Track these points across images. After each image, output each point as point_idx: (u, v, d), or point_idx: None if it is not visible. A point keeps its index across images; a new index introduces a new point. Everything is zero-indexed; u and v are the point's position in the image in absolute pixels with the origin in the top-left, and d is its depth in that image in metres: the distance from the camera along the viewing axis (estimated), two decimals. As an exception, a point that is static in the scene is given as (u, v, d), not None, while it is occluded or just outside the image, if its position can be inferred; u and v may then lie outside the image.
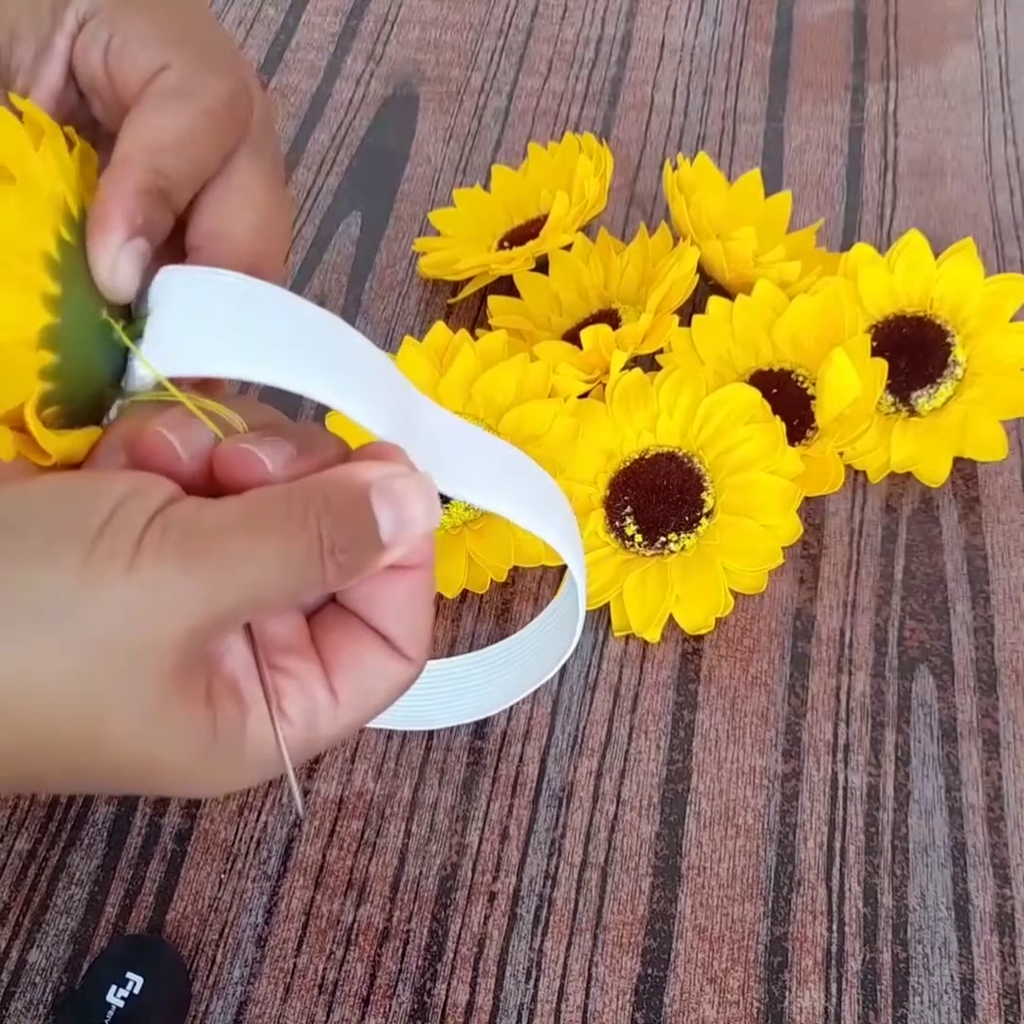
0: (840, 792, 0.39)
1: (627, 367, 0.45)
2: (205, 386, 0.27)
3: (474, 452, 0.30)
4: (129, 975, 0.35)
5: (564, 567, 0.44)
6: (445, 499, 0.44)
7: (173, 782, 0.25)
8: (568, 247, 0.50)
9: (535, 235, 0.49)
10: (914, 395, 0.46)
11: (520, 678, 0.40)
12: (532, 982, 0.36)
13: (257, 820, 0.39)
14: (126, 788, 0.29)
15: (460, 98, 0.60)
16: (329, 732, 0.26)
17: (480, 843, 0.39)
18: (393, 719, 0.40)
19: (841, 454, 0.45)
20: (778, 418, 0.43)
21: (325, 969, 0.37)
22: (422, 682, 0.31)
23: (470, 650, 0.42)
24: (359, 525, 0.24)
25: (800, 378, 0.46)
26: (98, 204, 0.25)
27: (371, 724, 0.41)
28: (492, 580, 0.43)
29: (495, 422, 0.45)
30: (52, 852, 0.39)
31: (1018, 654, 0.42)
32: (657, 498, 0.44)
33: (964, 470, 0.46)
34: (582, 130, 0.58)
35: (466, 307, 0.52)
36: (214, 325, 0.25)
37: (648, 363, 0.47)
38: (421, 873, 0.38)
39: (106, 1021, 0.34)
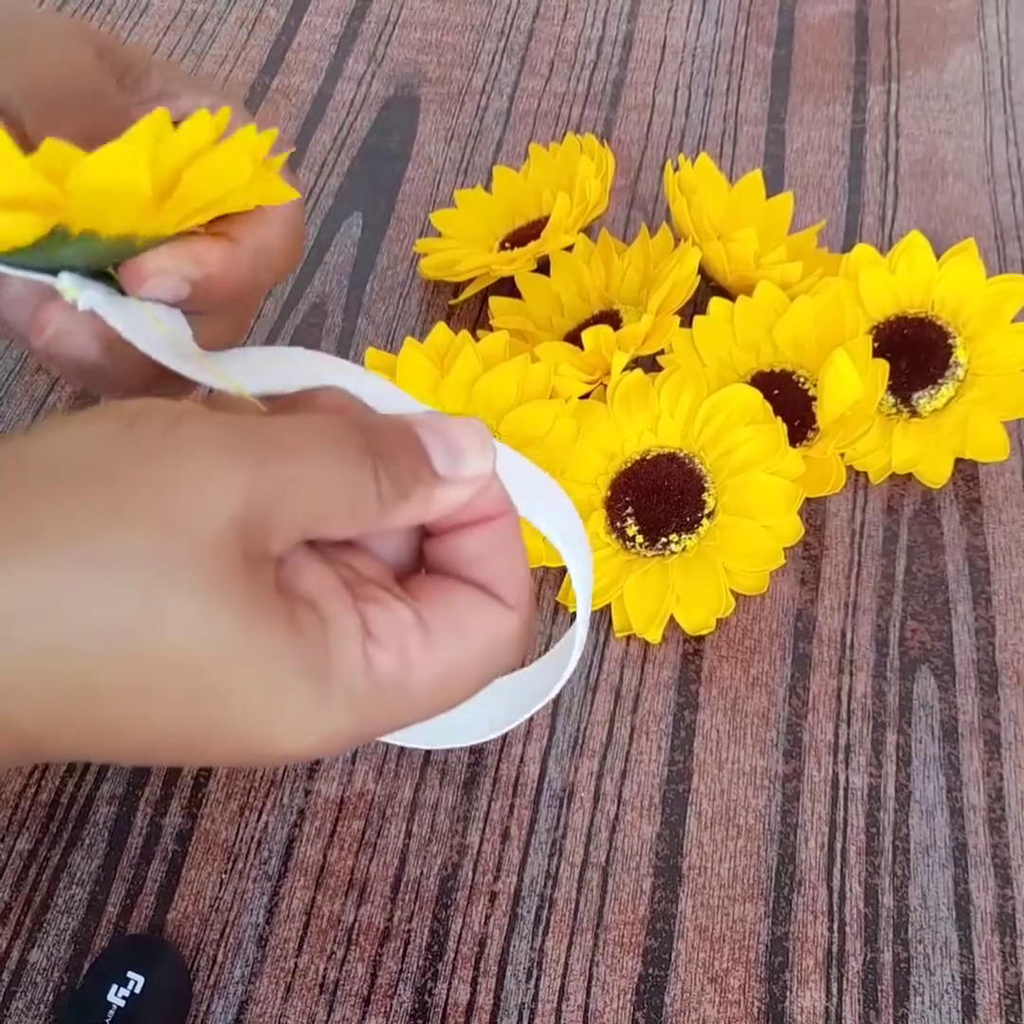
0: (841, 793, 0.39)
1: (628, 368, 0.45)
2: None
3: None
4: (130, 975, 0.35)
5: (566, 568, 0.44)
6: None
7: (249, 707, 0.21)
8: (569, 248, 0.50)
9: (536, 236, 0.49)
10: (915, 396, 0.46)
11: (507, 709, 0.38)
12: (533, 982, 0.36)
13: (258, 820, 0.39)
14: (190, 725, 0.22)
15: (461, 99, 0.61)
16: (424, 669, 0.23)
17: (481, 843, 0.39)
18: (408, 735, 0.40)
19: (842, 455, 0.45)
20: (779, 419, 0.44)
21: (326, 969, 0.37)
22: None
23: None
24: (407, 445, 0.24)
25: (801, 379, 0.46)
26: (205, 256, 0.28)
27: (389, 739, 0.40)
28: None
29: (496, 423, 0.45)
30: (53, 852, 0.39)
31: (1019, 655, 0.42)
32: (658, 499, 0.44)
33: (965, 471, 0.46)
34: (583, 131, 0.58)
35: (467, 308, 0.52)
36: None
37: (649, 364, 0.47)
38: (422, 873, 0.38)
39: (107, 1020, 0.34)
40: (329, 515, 0.23)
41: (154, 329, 0.26)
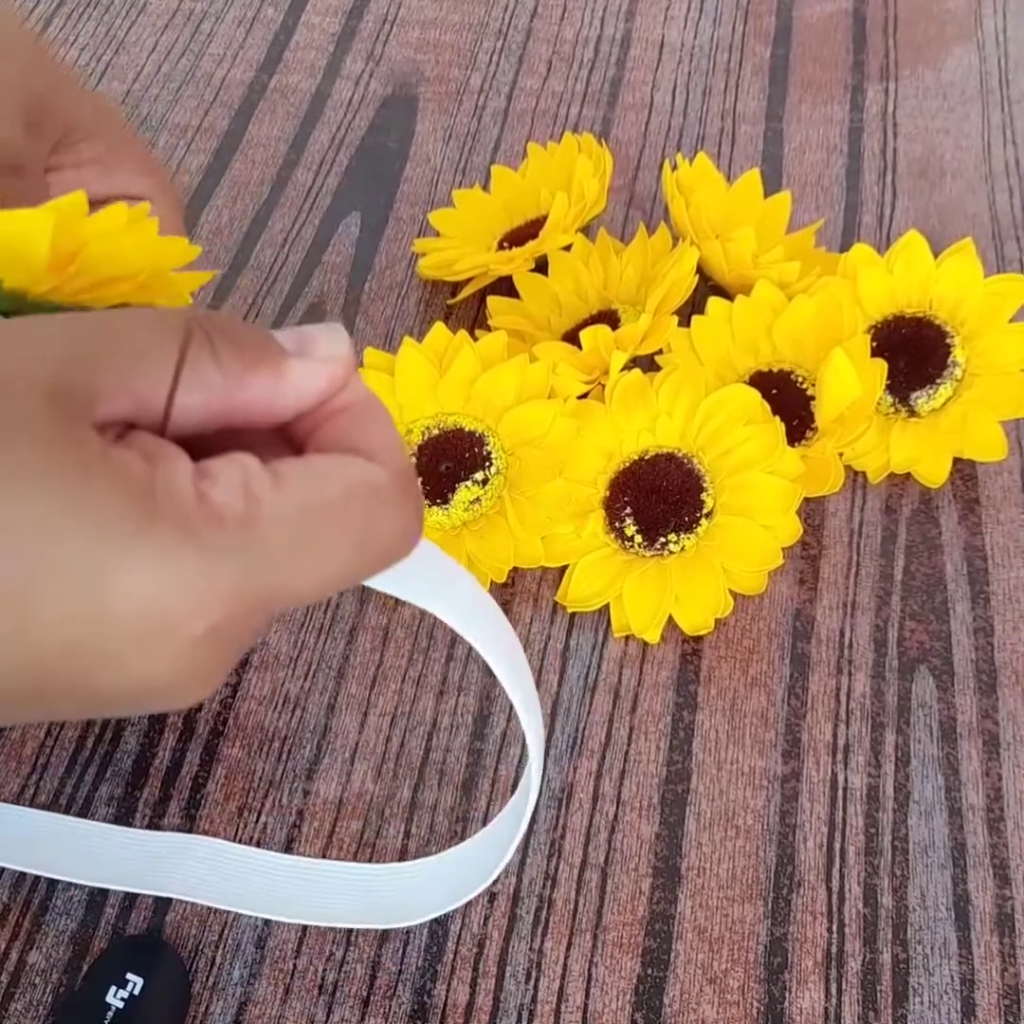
0: (840, 793, 0.39)
1: (627, 368, 0.45)
2: None
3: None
4: (129, 976, 0.35)
5: (565, 568, 0.44)
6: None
7: (62, 543, 0.20)
8: (567, 248, 0.50)
9: (534, 236, 0.49)
10: (913, 395, 0.46)
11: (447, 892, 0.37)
12: (532, 983, 0.36)
13: (257, 821, 0.39)
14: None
15: (459, 98, 0.60)
16: (273, 507, 0.22)
17: (480, 844, 0.39)
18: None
19: (841, 455, 0.45)
20: (778, 419, 0.43)
21: (325, 970, 0.37)
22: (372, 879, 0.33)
23: (470, 651, 0.43)
24: (251, 329, 0.24)
25: (800, 379, 0.46)
26: None
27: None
28: (492, 581, 0.43)
29: (495, 423, 0.45)
30: (52, 853, 0.39)
31: (1018, 655, 0.42)
32: (657, 499, 0.44)
33: (964, 471, 0.46)
34: (581, 130, 0.58)
35: (465, 308, 0.52)
36: None
37: (647, 364, 0.47)
38: (421, 874, 0.38)
39: (106, 1022, 0.34)
40: (152, 372, 0.22)
41: None
